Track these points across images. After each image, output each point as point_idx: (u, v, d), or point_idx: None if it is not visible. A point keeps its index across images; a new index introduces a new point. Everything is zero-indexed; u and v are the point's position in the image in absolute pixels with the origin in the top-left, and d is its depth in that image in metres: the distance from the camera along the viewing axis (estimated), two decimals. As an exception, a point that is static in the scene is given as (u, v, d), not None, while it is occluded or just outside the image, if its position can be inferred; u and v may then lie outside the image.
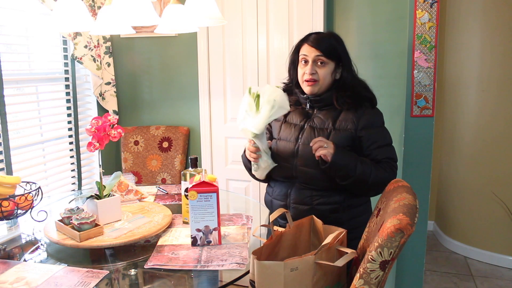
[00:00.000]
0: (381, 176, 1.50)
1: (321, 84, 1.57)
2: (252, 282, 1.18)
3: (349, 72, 1.59)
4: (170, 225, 1.62)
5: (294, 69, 1.66)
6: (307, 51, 1.57)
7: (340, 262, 1.16)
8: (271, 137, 1.71)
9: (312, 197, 1.56)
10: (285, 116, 1.67)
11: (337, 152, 1.46)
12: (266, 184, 1.76)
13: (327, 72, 1.56)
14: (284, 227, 1.40)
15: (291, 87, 1.69)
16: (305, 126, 1.60)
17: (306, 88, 1.59)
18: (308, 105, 1.63)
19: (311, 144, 1.48)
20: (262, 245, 1.27)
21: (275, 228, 1.36)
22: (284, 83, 1.73)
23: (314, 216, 1.44)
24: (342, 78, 1.59)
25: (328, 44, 1.56)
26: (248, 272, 1.25)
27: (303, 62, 1.59)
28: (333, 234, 1.23)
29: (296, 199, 1.59)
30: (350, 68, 1.60)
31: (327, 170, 1.48)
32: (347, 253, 1.20)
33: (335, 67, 1.58)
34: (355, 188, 1.53)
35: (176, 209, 1.79)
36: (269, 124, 1.73)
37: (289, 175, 1.60)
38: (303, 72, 1.58)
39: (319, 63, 1.55)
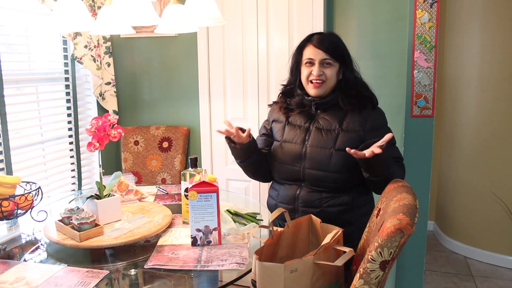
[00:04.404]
0: (398, 174, 1.53)
1: (328, 85, 1.56)
2: (253, 282, 1.18)
3: (352, 72, 1.59)
4: (170, 225, 1.62)
5: (297, 69, 1.63)
6: (313, 53, 1.55)
7: (340, 262, 1.16)
8: (269, 139, 1.71)
9: (321, 199, 1.55)
10: (287, 117, 1.66)
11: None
12: (269, 187, 1.75)
13: (333, 73, 1.56)
14: (284, 227, 1.40)
15: (292, 89, 1.67)
16: (311, 128, 1.59)
17: (312, 90, 1.57)
18: (313, 107, 1.62)
19: (367, 154, 1.38)
20: (263, 245, 1.28)
21: (275, 228, 1.37)
22: (283, 85, 1.72)
23: (312, 215, 1.44)
24: (345, 78, 1.58)
25: (332, 44, 1.56)
26: (248, 272, 1.26)
27: (308, 63, 1.57)
28: (331, 234, 1.24)
29: (305, 202, 1.57)
30: (352, 67, 1.60)
31: (367, 164, 1.43)
32: (344, 252, 1.20)
33: (339, 67, 1.57)
34: (378, 183, 1.49)
35: (176, 209, 1.79)
36: (266, 127, 1.74)
37: (296, 178, 1.59)
38: (309, 73, 1.56)
39: (325, 64, 1.55)
